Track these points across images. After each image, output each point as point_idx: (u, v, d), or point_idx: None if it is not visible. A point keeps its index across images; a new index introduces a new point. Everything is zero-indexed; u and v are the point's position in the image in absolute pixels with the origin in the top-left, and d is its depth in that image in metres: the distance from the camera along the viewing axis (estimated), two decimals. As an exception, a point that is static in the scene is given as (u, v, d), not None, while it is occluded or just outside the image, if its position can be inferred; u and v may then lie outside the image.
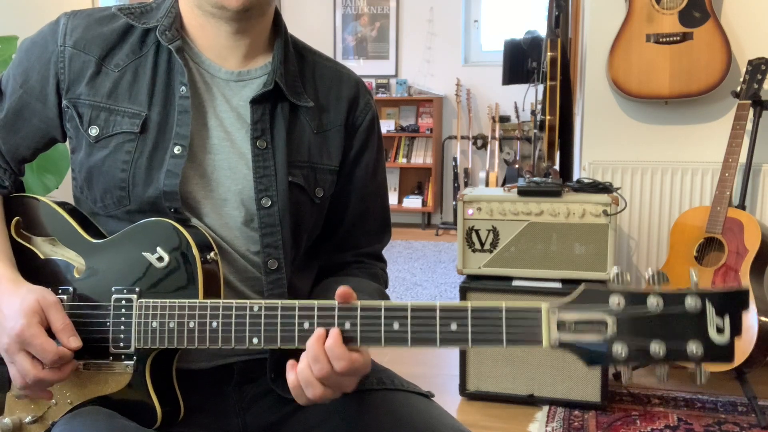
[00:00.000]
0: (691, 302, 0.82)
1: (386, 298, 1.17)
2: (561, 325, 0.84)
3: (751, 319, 2.37)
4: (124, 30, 1.08)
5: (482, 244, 2.50)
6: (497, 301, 0.87)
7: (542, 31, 3.82)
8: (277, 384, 1.06)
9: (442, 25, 6.25)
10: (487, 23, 6.26)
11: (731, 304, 0.81)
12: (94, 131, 1.05)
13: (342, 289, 0.90)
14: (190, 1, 1.07)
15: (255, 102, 1.06)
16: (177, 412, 1.02)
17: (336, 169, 1.13)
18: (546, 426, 2.36)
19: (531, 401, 2.50)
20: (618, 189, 2.49)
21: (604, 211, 2.40)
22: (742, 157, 2.64)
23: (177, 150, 1.03)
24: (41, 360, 0.94)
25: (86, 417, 0.95)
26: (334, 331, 0.89)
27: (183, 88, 1.04)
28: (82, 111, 1.05)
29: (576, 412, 2.45)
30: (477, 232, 2.51)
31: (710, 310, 0.81)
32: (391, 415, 1.02)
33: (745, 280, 2.42)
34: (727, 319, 0.81)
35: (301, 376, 0.90)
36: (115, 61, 1.06)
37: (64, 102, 1.07)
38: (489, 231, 2.50)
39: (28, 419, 1.01)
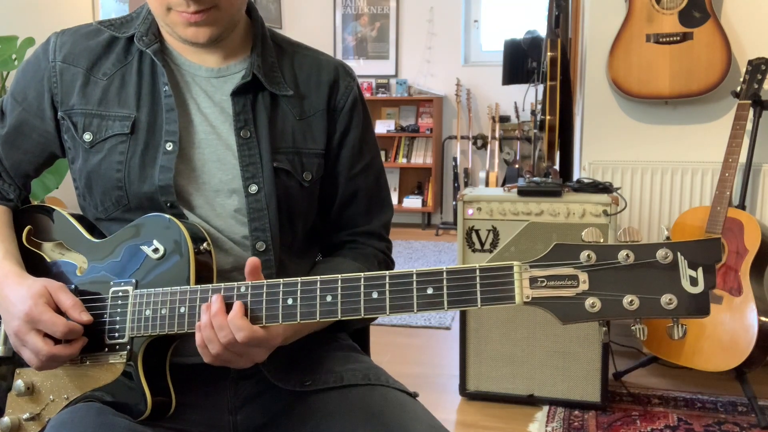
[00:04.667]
0: (662, 254, 0.81)
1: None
2: (533, 282, 0.85)
3: (751, 318, 2.37)
4: (109, 42, 1.14)
5: (482, 244, 2.50)
6: (473, 264, 0.88)
7: (542, 31, 3.82)
8: (267, 368, 1.08)
9: (442, 25, 6.25)
10: (487, 23, 6.26)
11: (704, 255, 0.81)
12: (88, 137, 1.10)
13: (252, 260, 0.96)
14: (159, 22, 1.11)
15: (235, 94, 1.11)
16: (168, 404, 1.03)
17: (322, 153, 1.17)
18: (546, 426, 2.36)
19: (531, 401, 2.51)
20: (618, 189, 2.49)
21: (604, 211, 2.40)
22: (742, 157, 2.64)
23: (169, 146, 1.08)
24: (52, 335, 0.98)
25: (75, 414, 0.98)
26: (237, 304, 0.94)
27: (165, 87, 1.09)
28: (76, 120, 1.11)
29: (576, 412, 2.45)
30: (477, 232, 2.51)
31: (682, 261, 0.81)
32: (365, 411, 1.04)
33: (745, 280, 2.42)
34: (700, 271, 0.81)
35: (205, 333, 0.95)
36: (102, 71, 1.12)
37: (59, 114, 1.12)
38: (489, 231, 2.50)
39: (25, 417, 1.04)
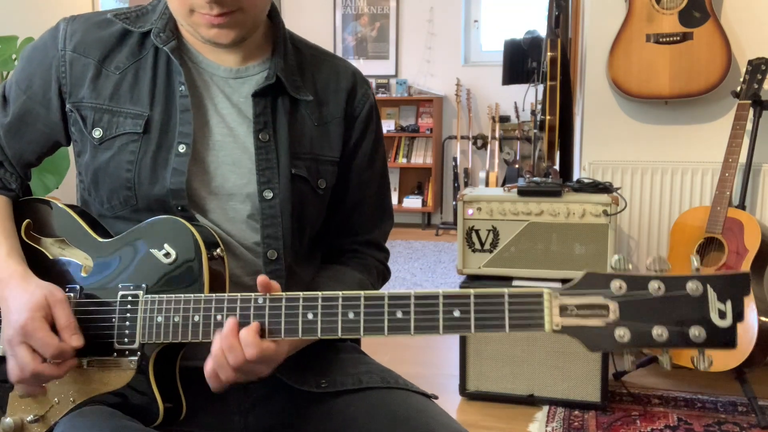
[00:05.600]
0: (692, 286, 0.82)
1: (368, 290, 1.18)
2: (563, 310, 0.85)
3: (751, 318, 2.37)
4: (122, 34, 1.09)
5: (482, 244, 2.50)
6: (499, 288, 0.87)
7: (542, 31, 3.82)
8: (281, 370, 1.06)
9: (442, 25, 6.25)
10: (487, 23, 6.26)
11: (733, 288, 0.81)
12: (97, 133, 1.06)
13: (263, 279, 0.93)
14: (179, 21, 1.07)
15: (257, 95, 1.08)
16: (179, 410, 1.02)
17: (337, 160, 1.15)
18: (546, 426, 2.36)
19: (531, 401, 2.50)
20: (618, 189, 2.49)
21: (604, 211, 2.40)
22: (742, 157, 2.64)
23: (181, 148, 1.04)
24: (41, 354, 0.95)
25: (88, 417, 0.96)
26: (253, 325, 0.92)
27: (182, 87, 1.06)
28: (85, 114, 1.07)
29: (576, 412, 2.45)
30: (477, 232, 2.51)
31: (712, 294, 0.81)
32: (390, 415, 1.03)
33: (745, 280, 2.42)
34: (729, 304, 0.81)
35: (216, 361, 0.93)
36: (115, 64, 1.08)
37: (67, 106, 1.08)
38: (489, 231, 2.50)
39: (29, 418, 1.02)
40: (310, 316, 0.92)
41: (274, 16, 1.14)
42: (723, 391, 2.60)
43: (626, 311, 0.83)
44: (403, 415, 1.02)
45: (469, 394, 2.57)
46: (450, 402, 2.56)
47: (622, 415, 2.43)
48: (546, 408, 2.48)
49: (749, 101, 2.61)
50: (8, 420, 1.02)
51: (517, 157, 5.87)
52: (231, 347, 0.92)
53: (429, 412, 1.04)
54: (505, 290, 0.87)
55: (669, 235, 2.75)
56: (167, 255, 1.00)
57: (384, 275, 1.25)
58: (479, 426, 2.40)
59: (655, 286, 0.82)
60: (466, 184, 6.06)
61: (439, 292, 0.89)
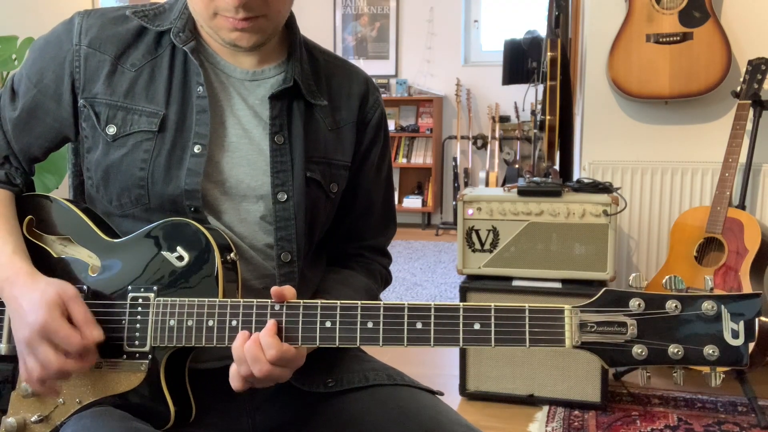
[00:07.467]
0: (707, 306, 0.85)
1: (374, 296, 1.19)
2: (583, 326, 0.87)
3: (751, 319, 2.37)
4: (139, 31, 1.09)
5: (482, 244, 2.50)
6: (520, 303, 0.89)
7: (542, 31, 3.82)
8: (294, 377, 1.06)
9: (442, 25, 6.25)
10: (487, 23, 6.26)
11: (746, 309, 0.85)
12: (111, 130, 1.05)
13: (275, 289, 0.94)
14: (200, 23, 1.07)
15: (273, 98, 1.08)
16: (189, 412, 1.01)
17: (348, 165, 1.16)
18: (546, 426, 2.36)
19: (531, 401, 2.51)
20: (618, 189, 2.49)
21: (604, 211, 2.40)
22: (742, 157, 2.64)
23: (197, 149, 1.04)
24: (66, 349, 0.94)
25: (99, 417, 0.95)
26: (270, 322, 0.93)
27: (200, 88, 1.06)
28: (99, 110, 1.06)
29: (576, 412, 2.45)
30: (477, 232, 2.51)
31: (726, 314, 0.84)
32: (398, 410, 1.03)
33: (745, 280, 2.42)
34: (741, 324, 0.84)
35: (239, 363, 0.93)
36: (131, 61, 1.07)
37: (80, 101, 1.07)
38: (489, 231, 2.50)
39: (33, 419, 1.00)
40: (328, 324, 0.92)
41: (290, 20, 1.14)
42: (723, 391, 2.60)
43: (644, 329, 0.86)
44: (411, 411, 1.03)
45: (469, 394, 2.57)
46: (450, 402, 2.55)
47: (622, 415, 2.43)
48: (546, 408, 2.48)
49: (749, 101, 2.61)
50: (11, 420, 1.00)
51: (517, 157, 5.87)
52: (255, 358, 0.92)
53: (437, 408, 1.05)
54: (526, 305, 0.89)
55: (669, 235, 2.75)
56: (180, 258, 0.99)
57: (387, 280, 1.26)
58: (479, 426, 2.39)
59: (672, 305, 0.85)
60: (466, 184, 6.06)
61: (460, 305, 0.90)
